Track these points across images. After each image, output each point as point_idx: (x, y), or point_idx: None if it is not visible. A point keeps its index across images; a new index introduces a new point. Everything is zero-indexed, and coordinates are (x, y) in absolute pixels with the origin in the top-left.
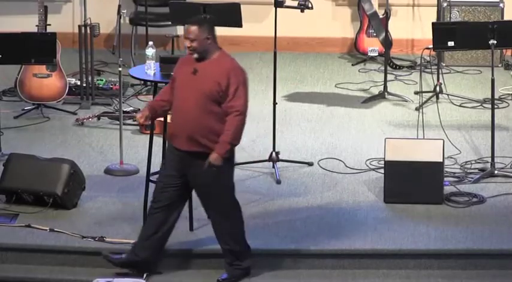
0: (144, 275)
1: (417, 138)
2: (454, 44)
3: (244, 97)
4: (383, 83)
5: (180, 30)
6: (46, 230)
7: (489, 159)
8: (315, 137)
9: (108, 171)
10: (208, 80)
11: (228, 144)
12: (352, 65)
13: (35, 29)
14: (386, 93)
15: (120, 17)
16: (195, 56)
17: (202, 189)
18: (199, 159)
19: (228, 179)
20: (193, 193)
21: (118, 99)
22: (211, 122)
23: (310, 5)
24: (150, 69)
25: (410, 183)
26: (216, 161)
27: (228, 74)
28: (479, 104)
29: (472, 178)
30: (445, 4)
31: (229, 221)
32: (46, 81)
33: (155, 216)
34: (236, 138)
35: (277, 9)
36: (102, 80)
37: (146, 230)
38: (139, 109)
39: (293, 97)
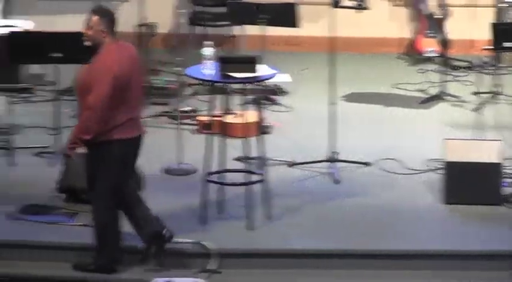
0: (207, 274)
1: (475, 139)
2: None
3: (97, 93)
4: (441, 83)
5: (237, 30)
6: None
7: None
8: (373, 138)
9: (166, 170)
10: (85, 71)
11: (75, 136)
12: (409, 65)
13: None
14: (444, 94)
15: (178, 17)
16: (88, 43)
17: None
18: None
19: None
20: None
21: (176, 99)
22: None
23: (367, 6)
24: (207, 69)
25: (469, 184)
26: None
27: (94, 71)
28: None
29: None
30: (504, 4)
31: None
32: None
33: None
34: (84, 131)
35: (335, 9)
36: (159, 80)
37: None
38: (197, 109)
39: (351, 97)
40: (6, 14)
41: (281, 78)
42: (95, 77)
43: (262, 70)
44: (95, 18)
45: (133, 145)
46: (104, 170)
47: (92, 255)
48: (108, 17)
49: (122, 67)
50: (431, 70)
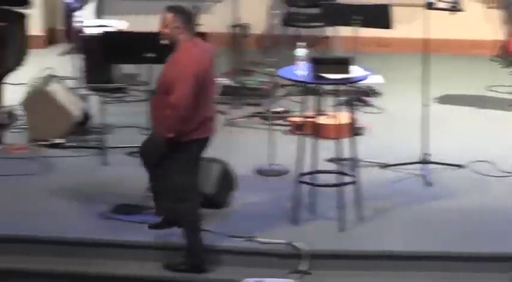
0: (298, 275)
1: None
2: None
3: (180, 91)
4: None
5: (330, 31)
6: None
7: None
8: (465, 140)
9: (259, 171)
10: (163, 73)
11: (160, 136)
12: (502, 67)
13: None
14: None
15: (272, 18)
16: (166, 41)
17: None
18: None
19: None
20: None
21: (268, 100)
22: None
23: (461, 7)
24: (300, 70)
25: None
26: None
27: (174, 70)
28: None
29: None
30: None
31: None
32: None
33: None
34: (168, 130)
35: (428, 10)
36: (252, 80)
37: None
38: (289, 110)
39: (444, 99)
40: (100, 14)
41: (373, 80)
42: (174, 76)
43: (355, 71)
44: (170, 15)
45: (206, 145)
46: (184, 169)
47: (182, 254)
48: (183, 14)
49: (200, 65)
50: None
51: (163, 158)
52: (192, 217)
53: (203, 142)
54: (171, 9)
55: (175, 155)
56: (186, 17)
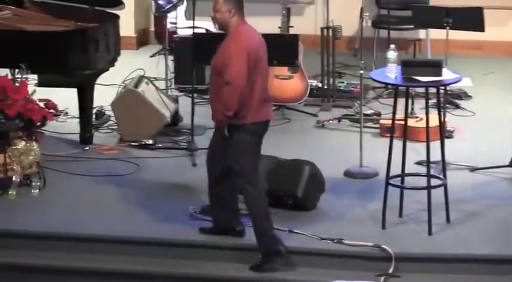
0: (386, 278)
1: None
2: None
3: (234, 68)
4: None
5: (422, 33)
6: (285, 231)
7: None
8: None
9: (347, 173)
10: (215, 57)
11: (221, 114)
12: None
13: (277, 31)
14: None
15: (363, 20)
16: (217, 27)
17: None
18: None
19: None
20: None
21: (359, 102)
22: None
23: None
24: (391, 72)
25: None
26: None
27: (226, 51)
28: None
29: None
30: None
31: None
32: (288, 83)
33: None
34: (227, 108)
35: None
36: (343, 82)
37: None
38: (379, 112)
39: None
40: (190, 16)
41: (462, 83)
42: (229, 56)
43: (446, 74)
44: (221, 0)
45: (265, 128)
46: (248, 153)
47: (260, 251)
48: None
49: (252, 44)
50: None
51: (227, 144)
52: (262, 206)
53: (262, 125)
54: None
55: (237, 139)
56: (237, 1)
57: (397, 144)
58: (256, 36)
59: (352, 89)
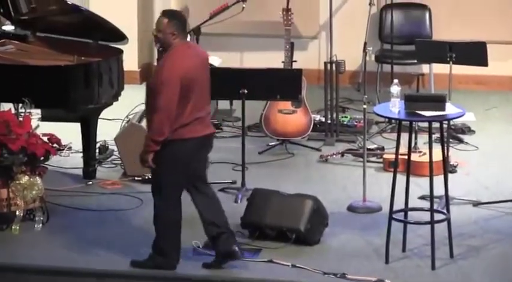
0: None
1: None
2: None
3: (166, 94)
4: None
5: (425, 68)
6: (288, 265)
7: None
8: None
9: (351, 208)
10: (154, 73)
11: (149, 139)
12: None
13: (281, 65)
14: None
15: (366, 55)
16: (159, 47)
17: None
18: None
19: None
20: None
21: (362, 137)
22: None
23: None
24: (395, 107)
25: None
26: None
27: (157, 71)
28: None
29: None
30: None
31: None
32: (291, 118)
33: None
34: (158, 133)
35: None
36: (346, 117)
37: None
38: (383, 147)
39: None
40: None
41: (466, 117)
42: (161, 78)
43: (449, 109)
44: (165, 21)
45: (202, 143)
46: (170, 169)
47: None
48: (178, 20)
49: (187, 67)
50: None
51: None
52: (166, 216)
53: (196, 141)
54: (165, 14)
55: (163, 153)
56: (181, 23)
57: (401, 178)
58: (197, 56)
59: (356, 123)
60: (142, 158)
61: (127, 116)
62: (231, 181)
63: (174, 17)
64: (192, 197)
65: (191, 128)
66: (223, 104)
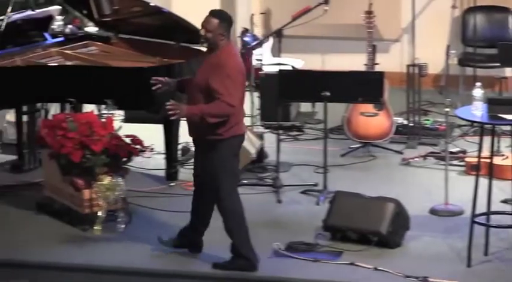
0: None
1: None
2: None
3: (233, 91)
4: None
5: (508, 71)
6: (370, 268)
7: None
8: None
9: (433, 211)
10: (201, 74)
11: (199, 112)
12: None
13: (363, 68)
14: None
15: (449, 58)
16: (206, 45)
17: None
18: (201, 147)
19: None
20: None
21: (444, 140)
22: None
23: None
24: (477, 110)
25: None
26: (180, 110)
27: (214, 69)
28: None
29: None
30: None
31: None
32: (373, 120)
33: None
34: (210, 114)
35: None
36: (428, 120)
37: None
38: (465, 150)
39: None
40: (276, 52)
41: None
42: (226, 74)
43: None
44: (216, 22)
45: (241, 142)
46: (229, 163)
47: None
48: (227, 22)
49: (243, 65)
50: None
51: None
52: (237, 212)
53: (240, 139)
54: (216, 15)
55: (223, 151)
56: (230, 25)
57: (483, 182)
58: (240, 57)
59: (438, 126)
60: (182, 111)
61: None
62: (312, 183)
63: (225, 19)
64: (202, 192)
65: (242, 125)
66: (306, 107)
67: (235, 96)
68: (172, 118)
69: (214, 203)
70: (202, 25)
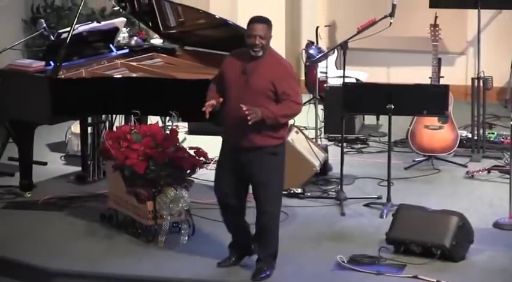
0: None
1: None
2: None
3: (299, 91)
4: None
5: None
6: (433, 281)
7: None
8: None
9: (496, 225)
10: (261, 78)
11: (272, 114)
12: None
13: (428, 81)
14: None
15: None
16: (260, 53)
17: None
18: (256, 155)
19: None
20: None
21: (509, 153)
22: None
23: None
24: None
25: None
26: (255, 114)
27: (279, 72)
28: None
29: None
30: None
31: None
32: (437, 133)
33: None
34: (282, 115)
35: None
36: (493, 134)
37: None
38: None
39: None
40: (341, 65)
41: None
42: (286, 78)
43: None
44: (266, 27)
45: None
46: (283, 169)
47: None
48: (271, 25)
49: None
50: None
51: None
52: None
53: None
54: (265, 21)
55: (280, 157)
56: (271, 27)
57: None
58: None
59: (503, 140)
60: (257, 114)
61: None
62: (376, 196)
63: (269, 22)
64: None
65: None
66: (370, 119)
67: (299, 94)
68: (250, 123)
69: (244, 213)
70: (256, 35)
